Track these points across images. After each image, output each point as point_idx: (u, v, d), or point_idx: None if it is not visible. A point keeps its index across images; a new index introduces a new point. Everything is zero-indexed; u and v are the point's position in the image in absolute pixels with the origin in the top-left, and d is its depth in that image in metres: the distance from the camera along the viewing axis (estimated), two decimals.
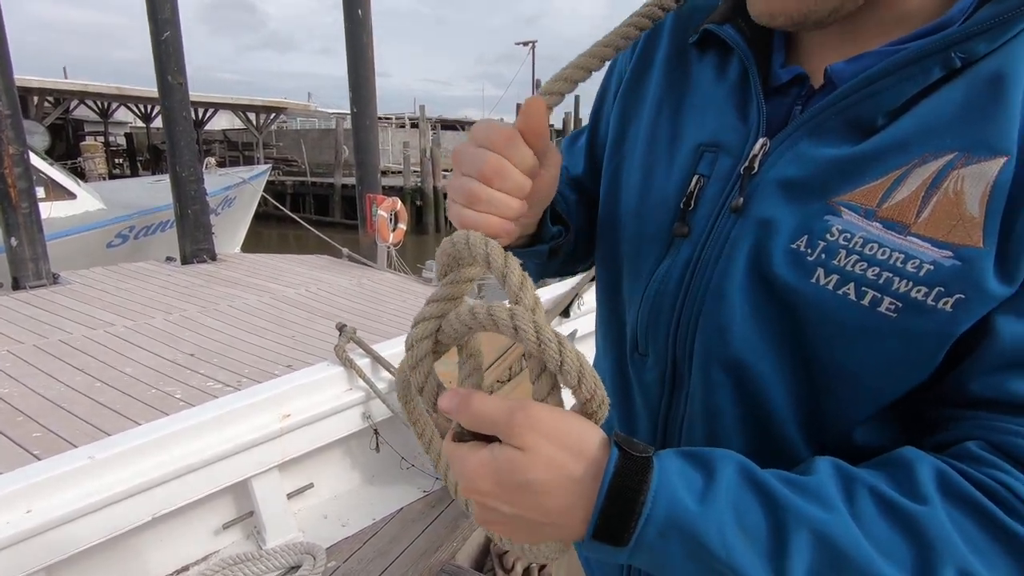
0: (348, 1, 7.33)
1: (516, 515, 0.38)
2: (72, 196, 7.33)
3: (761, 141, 0.46)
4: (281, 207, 10.28)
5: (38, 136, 7.92)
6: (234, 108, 20.07)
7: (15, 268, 5.34)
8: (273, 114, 21.04)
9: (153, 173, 19.18)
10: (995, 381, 0.38)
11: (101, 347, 4.20)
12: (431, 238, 18.02)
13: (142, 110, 21.95)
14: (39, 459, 2.67)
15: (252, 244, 10.65)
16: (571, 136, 0.73)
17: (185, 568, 1.86)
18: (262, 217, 12.10)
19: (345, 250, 7.56)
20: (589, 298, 2.91)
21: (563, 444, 0.37)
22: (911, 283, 0.38)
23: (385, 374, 2.25)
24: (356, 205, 9.65)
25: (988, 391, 0.38)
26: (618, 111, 0.59)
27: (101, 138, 22.53)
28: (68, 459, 1.64)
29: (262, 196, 10.14)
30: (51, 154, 9.46)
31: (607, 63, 0.49)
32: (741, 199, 0.45)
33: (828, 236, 0.41)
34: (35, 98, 15.21)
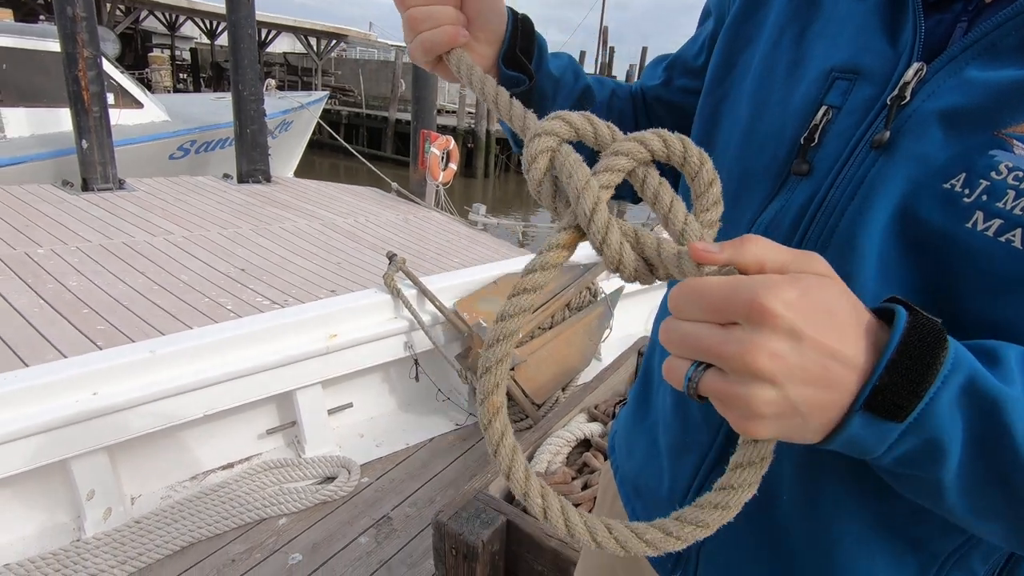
0: None
1: (804, 359, 0.30)
2: (140, 105, 7.52)
3: (916, 66, 0.39)
4: (336, 136, 10.33)
5: (109, 43, 8.06)
6: (296, 31, 19.99)
7: (85, 170, 5.57)
8: (334, 41, 20.88)
9: (215, 90, 19.48)
10: None
11: (160, 253, 4.39)
12: (479, 182, 17.90)
13: (208, 26, 22.09)
14: (101, 349, 2.85)
15: (304, 170, 10.80)
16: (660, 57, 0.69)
17: (230, 465, 1.98)
18: (315, 145, 12.22)
19: (395, 185, 7.59)
20: None
21: (844, 288, 0.32)
22: None
23: (430, 307, 2.27)
24: (408, 141, 9.61)
25: None
26: (727, 39, 0.53)
27: (168, 51, 22.89)
28: (131, 351, 1.73)
29: (317, 123, 10.20)
30: (120, 62, 9.67)
31: None
32: (887, 133, 0.39)
33: (993, 174, 0.35)
34: (108, 5, 15.48)
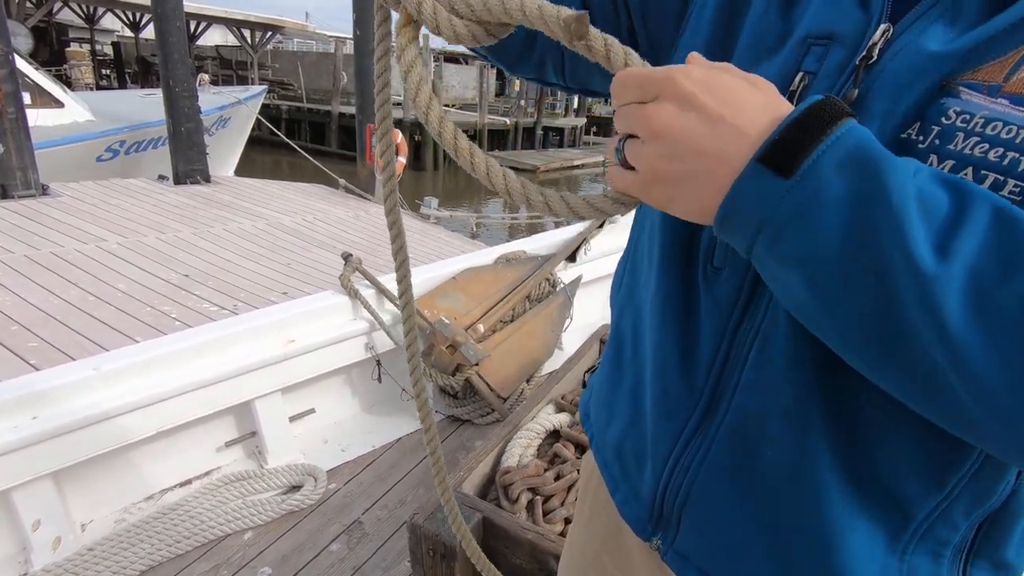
0: None
1: (696, 120, 0.37)
2: (60, 104, 7.04)
3: (883, 27, 0.41)
4: (277, 132, 9.97)
5: (21, 38, 7.52)
6: (228, 23, 19.10)
7: (3, 175, 5.18)
8: (269, 32, 20.08)
9: (142, 86, 18.42)
10: None
11: (94, 262, 4.14)
12: (429, 174, 17.69)
13: (130, 18, 20.84)
14: (36, 369, 2.67)
15: (245, 169, 10.38)
16: None
17: (188, 482, 1.90)
18: (255, 141, 11.77)
19: (342, 181, 7.40)
20: (596, 244, 2.89)
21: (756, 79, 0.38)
22: None
23: (389, 306, 2.24)
24: (354, 135, 9.35)
25: None
26: (723, 6, 0.54)
27: (87, 46, 21.45)
28: (73, 369, 1.63)
29: (256, 119, 9.81)
30: (35, 59, 9.01)
31: None
32: (856, 91, 0.41)
33: (943, 119, 0.38)
34: None
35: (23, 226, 4.63)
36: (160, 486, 1.85)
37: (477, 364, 2.13)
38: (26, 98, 5.71)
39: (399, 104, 19.38)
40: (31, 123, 5.41)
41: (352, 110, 15.86)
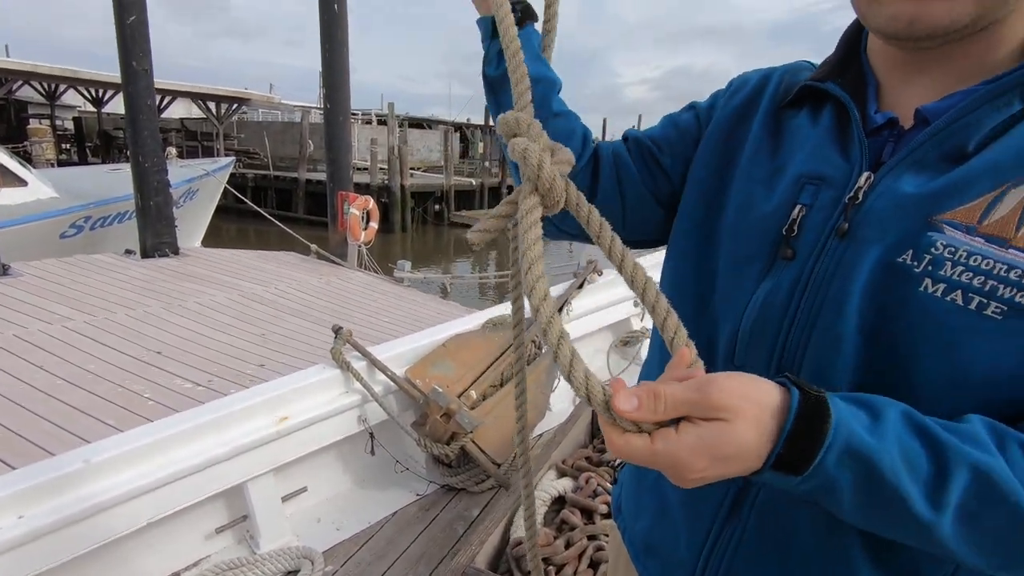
0: None
1: (725, 472, 0.42)
2: (22, 183, 6.94)
3: (866, 175, 0.51)
4: (246, 201, 9.98)
5: None
6: (194, 97, 19.35)
7: None
8: (235, 104, 20.39)
9: (104, 161, 18.29)
10: None
11: (60, 343, 4.01)
12: (397, 237, 17.82)
13: (93, 94, 20.90)
14: (3, 461, 2.53)
15: (211, 238, 10.29)
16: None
17: (176, 574, 1.81)
18: (220, 210, 11.69)
19: (314, 247, 7.41)
20: (577, 304, 2.97)
21: (754, 400, 0.41)
22: (1016, 290, 0.43)
23: (381, 377, 2.24)
24: (320, 201, 9.41)
25: None
26: (718, 152, 0.65)
27: (47, 122, 21.33)
28: (62, 463, 1.57)
29: (224, 189, 9.82)
30: None
31: None
32: (847, 225, 0.51)
33: (933, 250, 0.46)
34: None
35: None
36: None
37: (472, 432, 2.13)
38: None
39: (364, 169, 19.70)
40: None
41: (318, 176, 16.00)
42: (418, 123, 30.49)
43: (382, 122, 24.45)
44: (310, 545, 1.94)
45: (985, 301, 0.44)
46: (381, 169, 18.93)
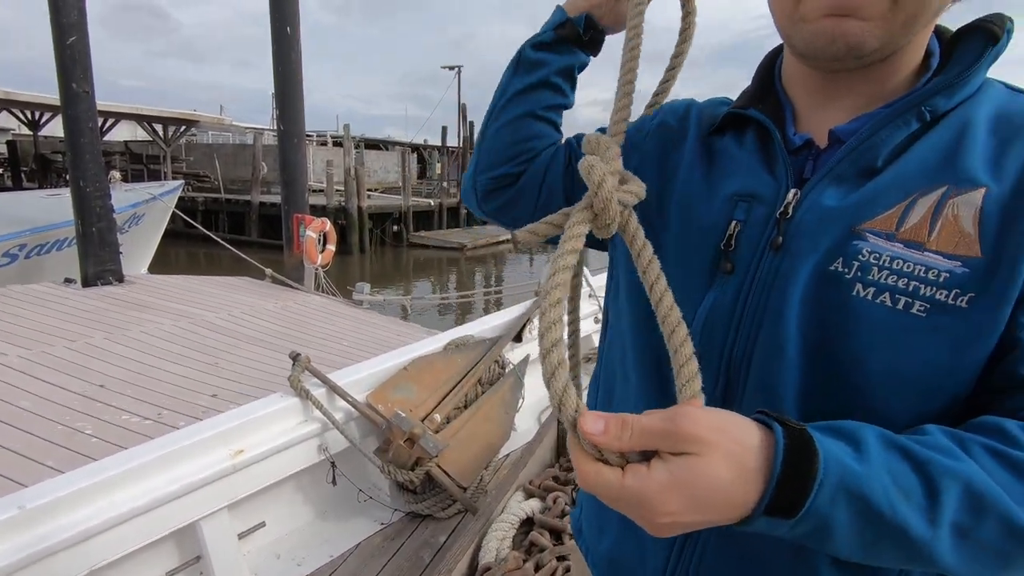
0: (276, 18, 7.12)
1: (702, 520, 0.40)
2: None
3: (793, 191, 0.55)
4: (195, 224, 9.66)
5: None
6: (140, 119, 18.72)
7: None
8: (183, 127, 19.83)
9: (40, 186, 17.44)
10: None
11: None
12: (355, 259, 17.55)
13: (29, 116, 19.97)
14: None
15: (158, 264, 9.89)
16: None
17: None
18: (169, 235, 11.28)
19: (269, 271, 7.22)
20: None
21: (729, 435, 0.40)
22: (934, 288, 0.47)
23: (342, 403, 2.18)
24: (274, 224, 9.20)
25: None
26: (655, 174, 0.68)
27: None
28: None
29: (172, 213, 9.49)
30: None
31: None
32: (781, 238, 0.54)
33: (860, 257, 0.50)
34: None
35: None
36: None
37: (437, 456, 2.10)
38: None
39: (320, 191, 19.41)
40: None
41: (273, 199, 15.66)
42: (375, 144, 30.34)
43: (338, 143, 24.21)
44: None
45: (910, 301, 0.48)
46: (338, 191, 18.69)
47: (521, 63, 0.79)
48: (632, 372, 0.67)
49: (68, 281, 6.06)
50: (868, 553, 0.42)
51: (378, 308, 7.48)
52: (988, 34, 0.53)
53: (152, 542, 1.70)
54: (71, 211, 6.06)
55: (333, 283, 7.88)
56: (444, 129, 28.26)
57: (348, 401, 2.16)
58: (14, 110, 18.86)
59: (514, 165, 0.79)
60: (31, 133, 20.83)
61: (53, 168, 19.97)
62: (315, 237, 7.17)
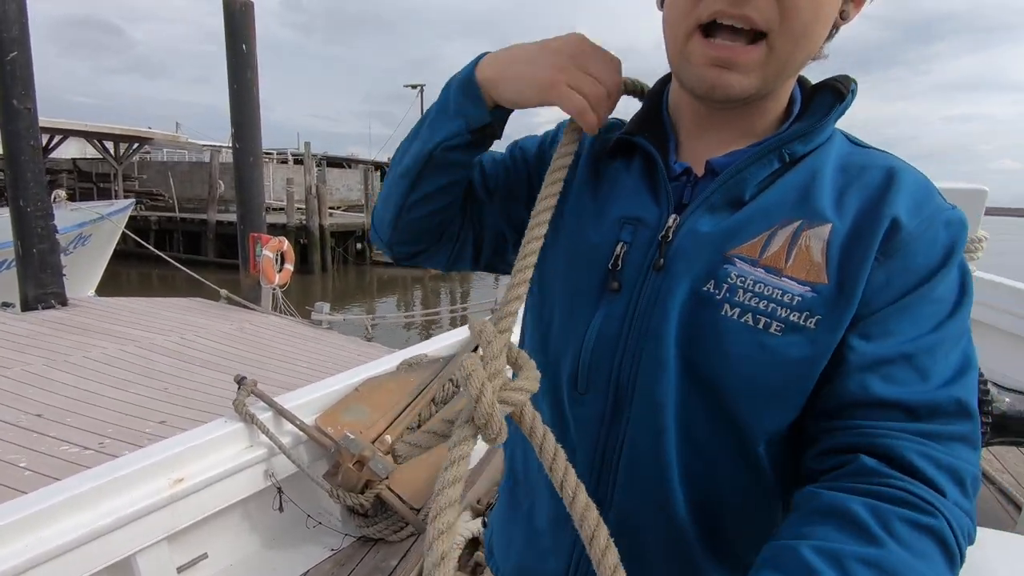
0: (231, 36, 7.04)
1: None
2: None
3: (673, 217, 0.60)
4: (146, 244, 9.36)
5: None
6: (89, 136, 18.10)
7: None
8: (136, 144, 19.25)
9: None
10: (858, 383, 0.51)
11: None
12: (317, 278, 17.24)
13: None
14: None
15: (108, 286, 9.52)
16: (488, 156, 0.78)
17: None
18: (120, 255, 10.89)
19: (223, 291, 7.04)
20: None
21: None
22: (788, 310, 0.53)
23: (289, 427, 2.13)
24: (231, 243, 8.97)
25: (855, 393, 0.51)
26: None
27: None
28: None
29: (122, 232, 9.17)
30: None
31: None
32: (662, 260, 0.58)
33: (729, 279, 0.55)
34: None
35: None
36: None
37: (387, 478, 2.07)
38: None
39: (280, 209, 19.07)
40: None
41: (230, 217, 15.28)
42: (337, 162, 30.04)
43: (299, 161, 23.89)
44: None
45: (768, 320, 0.53)
46: (299, 209, 18.39)
47: (435, 165, 0.67)
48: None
49: (6, 305, 5.78)
50: None
51: (339, 327, 7.35)
52: (836, 92, 0.59)
53: None
54: (10, 232, 5.80)
55: (295, 303, 7.72)
56: None
57: (296, 424, 2.11)
58: None
59: (434, 237, 0.75)
60: None
61: None
62: (272, 257, 7.04)
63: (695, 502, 0.59)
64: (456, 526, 0.44)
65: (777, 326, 0.53)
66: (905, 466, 0.48)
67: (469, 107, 0.64)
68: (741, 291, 0.54)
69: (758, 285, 0.54)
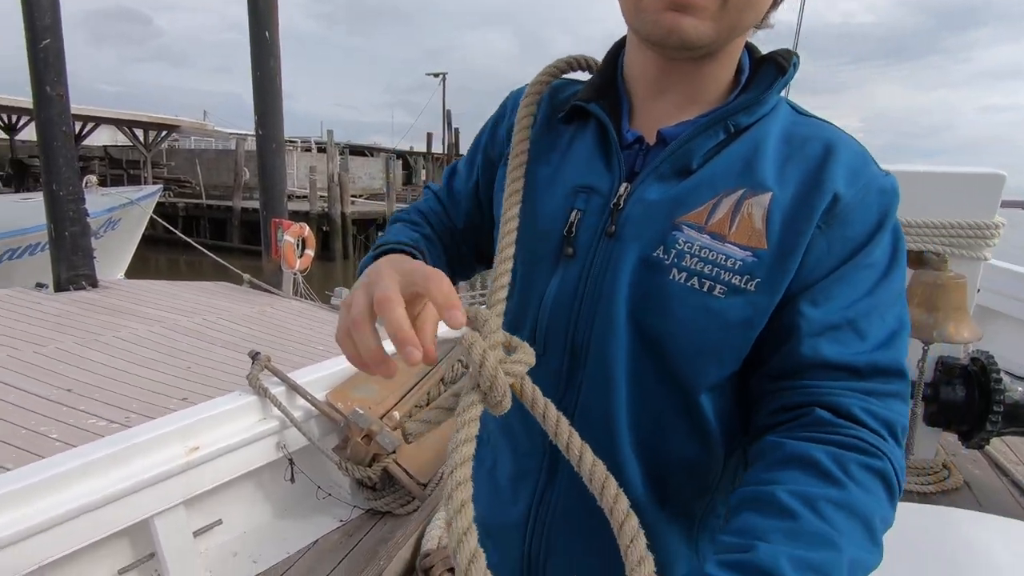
0: (255, 25, 7.13)
1: None
2: None
3: (624, 185, 0.62)
4: (174, 230, 9.60)
5: None
6: (119, 123, 18.55)
7: None
8: (164, 132, 19.68)
9: (17, 190, 17.17)
10: (810, 347, 0.54)
11: None
12: (338, 264, 17.49)
13: (5, 120, 19.70)
14: None
15: (137, 270, 9.81)
16: (450, 171, 0.85)
17: None
18: (149, 241, 11.22)
19: (246, 276, 7.19)
20: None
21: None
22: (730, 273, 0.56)
23: (301, 401, 2.20)
24: (255, 230, 9.15)
25: (807, 356, 0.54)
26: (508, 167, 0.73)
27: None
28: None
29: (151, 218, 9.42)
30: None
31: None
32: (614, 227, 0.61)
33: (677, 246, 0.57)
34: None
35: None
36: None
37: (394, 452, 2.12)
38: None
39: (304, 197, 19.34)
40: None
41: (255, 204, 15.58)
42: (360, 151, 30.28)
43: (322, 150, 24.16)
44: None
45: (712, 284, 0.56)
46: (321, 197, 18.64)
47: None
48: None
49: (40, 286, 5.99)
50: None
51: None
52: (778, 66, 0.62)
53: (103, 538, 1.71)
54: (44, 215, 6.01)
55: (316, 289, 7.86)
56: (429, 136, 28.36)
57: (307, 399, 2.18)
58: None
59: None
60: (7, 137, 20.54)
61: (30, 172, 19.67)
62: (293, 242, 7.16)
63: (643, 455, 0.62)
64: (468, 481, 0.46)
65: (720, 289, 0.56)
66: (853, 419, 0.52)
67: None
68: (688, 256, 0.57)
69: (703, 251, 0.56)
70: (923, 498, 2.24)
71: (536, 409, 0.52)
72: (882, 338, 0.55)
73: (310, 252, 7.52)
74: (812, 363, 0.54)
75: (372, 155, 30.65)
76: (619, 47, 0.70)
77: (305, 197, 19.29)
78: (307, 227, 7.46)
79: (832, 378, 0.54)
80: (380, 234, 0.78)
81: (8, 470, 2.68)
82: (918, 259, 2.12)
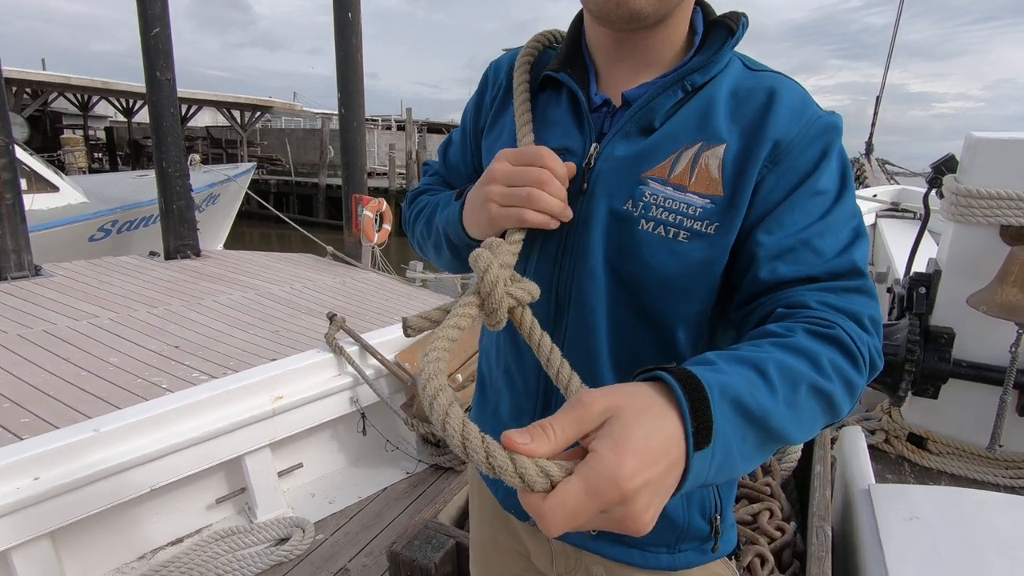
0: (338, 5, 7.41)
1: (663, 472, 0.39)
2: (55, 189, 7.31)
3: (594, 146, 0.67)
4: (266, 205, 10.29)
5: (17, 127, 7.87)
6: (219, 105, 19.93)
7: None
8: (258, 112, 20.93)
9: (133, 168, 18.94)
10: (768, 271, 0.59)
11: (85, 338, 4.24)
12: None
13: (123, 104, 21.66)
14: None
15: (234, 242, 10.64)
16: (445, 144, 0.93)
17: (179, 540, 1.97)
18: (244, 215, 12.08)
19: (330, 249, 7.63)
20: None
21: (626, 391, 0.41)
22: (692, 220, 0.61)
23: (372, 361, 2.37)
24: (340, 205, 9.68)
25: (767, 279, 0.59)
26: (492, 122, 0.80)
27: (80, 132, 22.19)
28: (75, 431, 1.73)
29: (246, 194, 10.14)
30: (29, 145, 9.39)
31: None
32: (586, 184, 0.66)
33: (644, 198, 0.63)
34: (13, 89, 15.00)
35: (16, 306, 4.74)
36: (153, 544, 1.91)
37: None
38: (23, 184, 5.96)
39: (383, 174, 20.03)
40: (27, 207, 5.63)
41: (339, 181, 16.38)
42: (437, 128, 30.80)
43: (401, 127, 24.82)
44: (303, 516, 2.08)
45: (677, 231, 0.62)
46: (400, 174, 19.22)
47: (459, 248, 0.76)
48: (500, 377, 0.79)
49: (152, 254, 6.67)
50: (754, 457, 0.47)
51: (432, 286, 7.75)
52: (729, 29, 0.66)
53: (204, 470, 1.96)
54: (156, 190, 6.65)
55: (394, 262, 8.22)
56: None
57: (378, 359, 2.34)
58: (111, 99, 20.52)
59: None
60: (126, 120, 22.61)
61: (145, 152, 21.64)
62: (372, 217, 7.51)
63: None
64: (445, 357, 0.47)
65: (684, 235, 0.62)
66: (807, 307, 0.56)
67: (465, 240, 0.72)
68: (654, 207, 0.62)
69: (668, 201, 0.62)
70: (1012, 492, 2.10)
71: (532, 338, 0.55)
72: (838, 249, 0.59)
73: (387, 227, 7.85)
74: (773, 284, 0.59)
75: (449, 132, 30.99)
76: (580, 21, 0.75)
77: (384, 174, 19.96)
78: (385, 203, 7.78)
79: (793, 290, 0.58)
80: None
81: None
82: (1019, 235, 1.95)
